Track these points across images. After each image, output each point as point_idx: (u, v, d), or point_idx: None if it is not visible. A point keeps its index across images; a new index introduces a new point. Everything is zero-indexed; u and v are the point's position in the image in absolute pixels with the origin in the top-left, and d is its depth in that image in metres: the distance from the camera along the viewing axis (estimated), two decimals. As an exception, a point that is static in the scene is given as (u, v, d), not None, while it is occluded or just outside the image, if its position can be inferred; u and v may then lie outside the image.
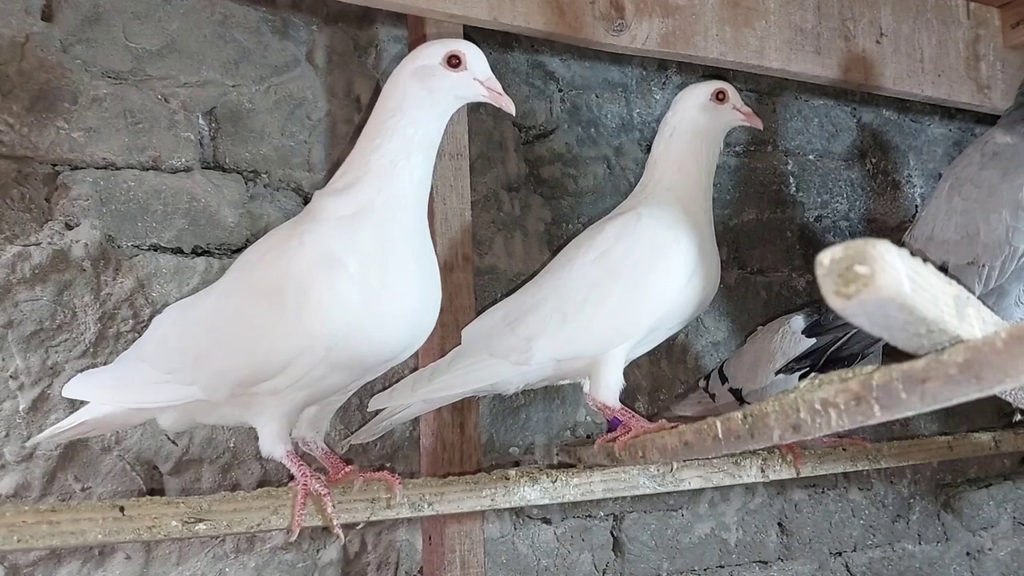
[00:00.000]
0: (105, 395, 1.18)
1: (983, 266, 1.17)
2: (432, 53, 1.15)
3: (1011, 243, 1.17)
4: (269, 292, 1.08)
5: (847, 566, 2.06)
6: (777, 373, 1.50)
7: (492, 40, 1.76)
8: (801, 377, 1.45)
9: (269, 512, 1.10)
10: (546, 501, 1.27)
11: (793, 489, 2.00)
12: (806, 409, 0.78)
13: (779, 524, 1.99)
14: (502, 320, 1.37)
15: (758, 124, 1.52)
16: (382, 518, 1.17)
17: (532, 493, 1.25)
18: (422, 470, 1.49)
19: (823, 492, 2.04)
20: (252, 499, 1.11)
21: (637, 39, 1.71)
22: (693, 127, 1.47)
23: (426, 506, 1.18)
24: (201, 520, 1.04)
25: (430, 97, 1.14)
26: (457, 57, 1.14)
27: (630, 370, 1.84)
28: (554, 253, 1.55)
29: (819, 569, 2.02)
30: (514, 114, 1.21)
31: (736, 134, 1.97)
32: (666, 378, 1.87)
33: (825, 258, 0.55)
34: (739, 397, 1.61)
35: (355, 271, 1.06)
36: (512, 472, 1.27)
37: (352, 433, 1.51)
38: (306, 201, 1.60)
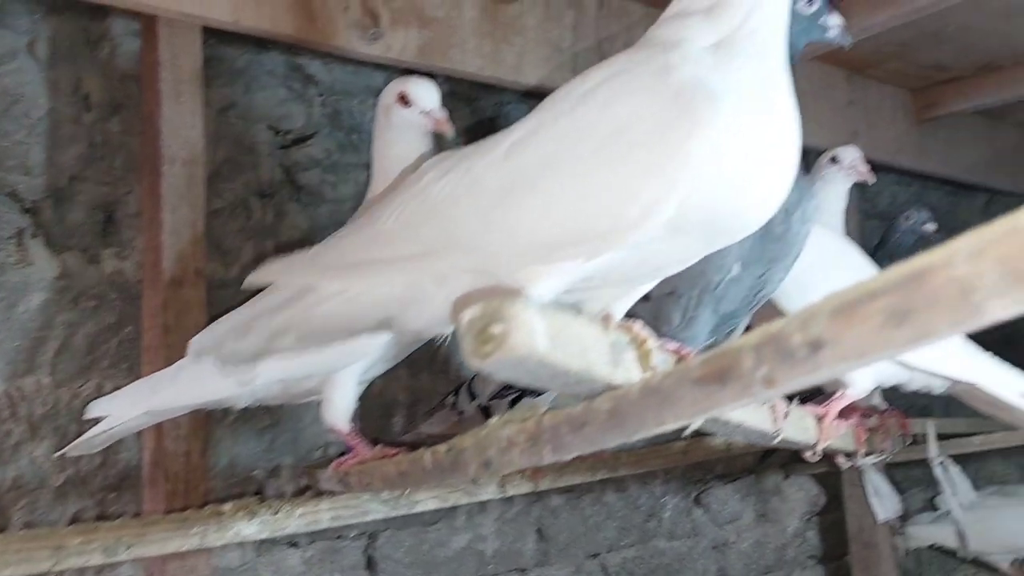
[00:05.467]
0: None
1: (681, 296, 1.22)
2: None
3: (706, 274, 1.23)
4: (612, 129, 0.85)
5: (603, 567, 2.13)
6: (491, 399, 1.51)
7: (245, 41, 1.66)
8: (513, 402, 1.46)
9: None
10: (265, 536, 1.20)
11: (551, 495, 2.04)
12: (495, 446, 0.78)
13: (538, 531, 2.02)
14: (230, 332, 1.29)
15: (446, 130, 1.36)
16: (82, 566, 1.06)
17: (249, 528, 1.18)
18: (144, 505, 1.37)
19: (580, 497, 2.10)
20: None
21: (393, 49, 1.68)
22: (384, 125, 1.35)
23: (123, 550, 1.08)
24: None
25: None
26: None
27: (387, 384, 1.81)
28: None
29: (576, 572, 2.07)
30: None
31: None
32: (426, 391, 1.85)
33: (464, 317, 0.54)
34: (488, 414, 1.61)
35: (733, 110, 0.84)
36: (227, 507, 1.19)
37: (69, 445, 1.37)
38: (24, 209, 1.46)
